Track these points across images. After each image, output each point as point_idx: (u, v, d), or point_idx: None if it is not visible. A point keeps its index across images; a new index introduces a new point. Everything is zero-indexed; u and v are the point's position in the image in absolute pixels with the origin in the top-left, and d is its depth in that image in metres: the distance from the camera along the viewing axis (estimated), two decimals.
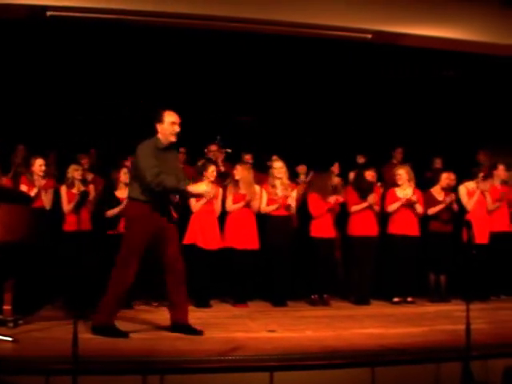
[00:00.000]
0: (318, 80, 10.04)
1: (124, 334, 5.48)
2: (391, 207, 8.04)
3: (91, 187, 7.71)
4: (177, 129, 5.61)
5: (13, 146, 8.80)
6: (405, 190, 8.06)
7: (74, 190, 7.37)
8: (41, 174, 7.25)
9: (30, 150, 8.47)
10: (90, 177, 8.22)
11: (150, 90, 9.87)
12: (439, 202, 8.13)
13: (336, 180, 8.34)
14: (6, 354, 4.76)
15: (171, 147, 5.73)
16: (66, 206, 7.35)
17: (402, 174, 8.11)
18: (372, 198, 7.92)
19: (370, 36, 7.80)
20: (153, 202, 5.53)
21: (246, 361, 4.76)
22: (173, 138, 5.62)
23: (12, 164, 8.47)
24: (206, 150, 8.94)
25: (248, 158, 9.04)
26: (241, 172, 7.76)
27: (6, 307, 5.80)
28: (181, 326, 5.69)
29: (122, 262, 5.52)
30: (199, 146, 9.13)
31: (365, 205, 7.93)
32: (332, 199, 7.82)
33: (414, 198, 7.90)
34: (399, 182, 8.11)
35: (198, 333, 5.59)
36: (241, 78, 9.87)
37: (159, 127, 5.63)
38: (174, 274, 5.65)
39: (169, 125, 5.59)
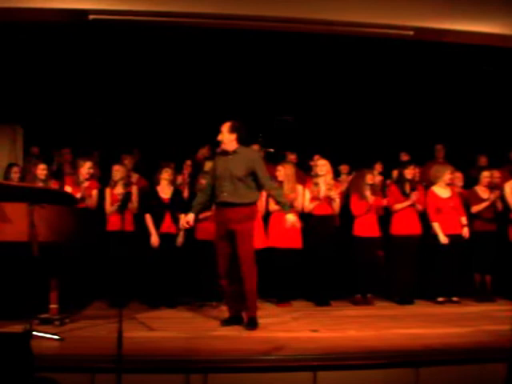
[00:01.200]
0: (360, 79, 10.00)
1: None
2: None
3: (134, 188, 7.72)
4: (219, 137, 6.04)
5: (57, 147, 8.97)
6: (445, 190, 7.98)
7: (117, 191, 7.46)
8: (87, 176, 7.38)
9: (74, 152, 8.62)
10: (134, 178, 8.27)
11: (194, 92, 9.97)
12: (483, 200, 8.01)
13: (376, 179, 8.23)
14: (52, 353, 4.87)
15: (239, 151, 6.05)
16: (109, 207, 7.46)
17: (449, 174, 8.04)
18: (415, 196, 7.82)
19: (411, 33, 7.68)
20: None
21: (289, 360, 4.79)
22: (222, 146, 6.09)
23: (57, 166, 8.63)
24: None
25: (293, 157, 9.02)
26: (284, 172, 7.75)
27: (53, 306, 5.93)
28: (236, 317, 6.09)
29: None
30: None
31: (407, 203, 7.82)
32: (371, 199, 7.77)
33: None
34: (450, 182, 8.02)
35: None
36: (283, 77, 9.87)
37: None
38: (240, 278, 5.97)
39: None
